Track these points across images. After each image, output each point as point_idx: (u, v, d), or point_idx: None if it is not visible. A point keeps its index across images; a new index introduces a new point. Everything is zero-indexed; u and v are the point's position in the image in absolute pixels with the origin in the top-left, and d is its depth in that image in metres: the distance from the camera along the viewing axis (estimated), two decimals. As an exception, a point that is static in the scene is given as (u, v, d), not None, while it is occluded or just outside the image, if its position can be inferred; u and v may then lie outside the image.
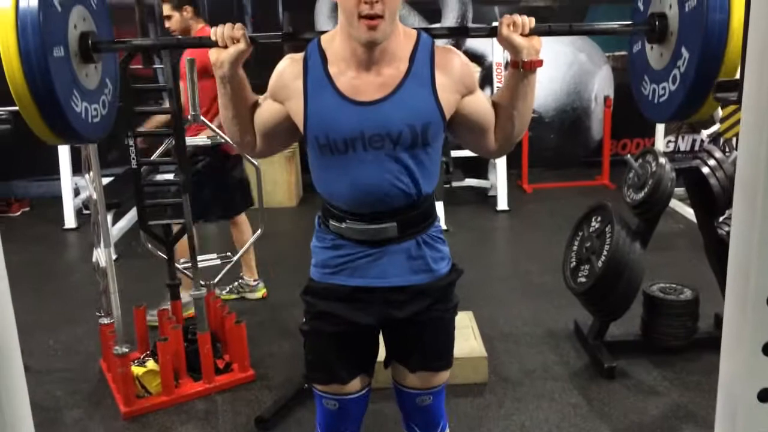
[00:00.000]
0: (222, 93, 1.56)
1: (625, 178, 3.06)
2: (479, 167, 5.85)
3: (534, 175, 6.09)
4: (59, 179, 5.30)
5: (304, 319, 1.72)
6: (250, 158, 3.31)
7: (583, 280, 3.01)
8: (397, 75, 1.51)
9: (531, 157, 6.04)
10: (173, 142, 2.89)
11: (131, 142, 2.80)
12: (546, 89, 6.47)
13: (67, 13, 1.53)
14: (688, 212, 4.59)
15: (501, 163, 5.42)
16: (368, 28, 1.43)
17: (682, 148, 6.35)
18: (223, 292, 3.75)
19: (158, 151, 3.14)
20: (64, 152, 5.25)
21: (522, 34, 1.51)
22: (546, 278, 3.92)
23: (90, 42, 1.58)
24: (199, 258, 2.97)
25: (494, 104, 1.61)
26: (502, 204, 5.44)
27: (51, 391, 2.90)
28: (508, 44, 1.52)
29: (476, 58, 6.39)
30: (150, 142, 3.72)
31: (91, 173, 2.79)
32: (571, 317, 3.32)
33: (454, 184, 5.51)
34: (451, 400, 2.20)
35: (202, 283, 2.94)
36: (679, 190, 4.35)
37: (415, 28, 1.58)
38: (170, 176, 3.38)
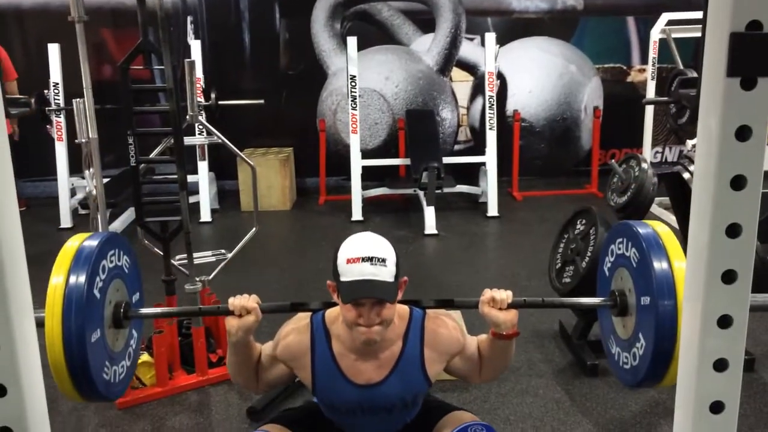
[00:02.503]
0: (231, 352, 1.75)
1: (609, 183, 3.17)
2: (471, 174, 5.95)
3: (524, 183, 6.20)
4: (56, 179, 5.38)
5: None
6: (246, 158, 3.40)
7: (567, 280, 3.11)
8: (391, 357, 1.72)
9: (521, 165, 6.16)
10: (171, 140, 2.97)
11: (131, 141, 2.89)
12: (537, 99, 6.59)
13: (105, 292, 1.59)
14: (672, 220, 4.70)
15: (492, 171, 5.53)
16: (366, 336, 1.62)
17: (669, 159, 6.49)
18: None
19: (157, 150, 3.22)
20: (61, 153, 5.34)
21: (500, 309, 1.66)
22: (533, 281, 4.01)
23: (122, 311, 1.66)
24: (194, 254, 3.05)
25: (479, 348, 1.81)
26: (493, 210, 5.54)
27: (47, 381, 2.95)
28: (488, 318, 1.68)
29: (469, 67, 6.53)
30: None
31: (92, 169, 2.87)
32: (556, 318, 3.41)
33: (446, 190, 5.61)
34: (438, 394, 2.29)
35: (198, 278, 3.02)
36: (665, 199, 4.47)
37: (406, 303, 1.76)
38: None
